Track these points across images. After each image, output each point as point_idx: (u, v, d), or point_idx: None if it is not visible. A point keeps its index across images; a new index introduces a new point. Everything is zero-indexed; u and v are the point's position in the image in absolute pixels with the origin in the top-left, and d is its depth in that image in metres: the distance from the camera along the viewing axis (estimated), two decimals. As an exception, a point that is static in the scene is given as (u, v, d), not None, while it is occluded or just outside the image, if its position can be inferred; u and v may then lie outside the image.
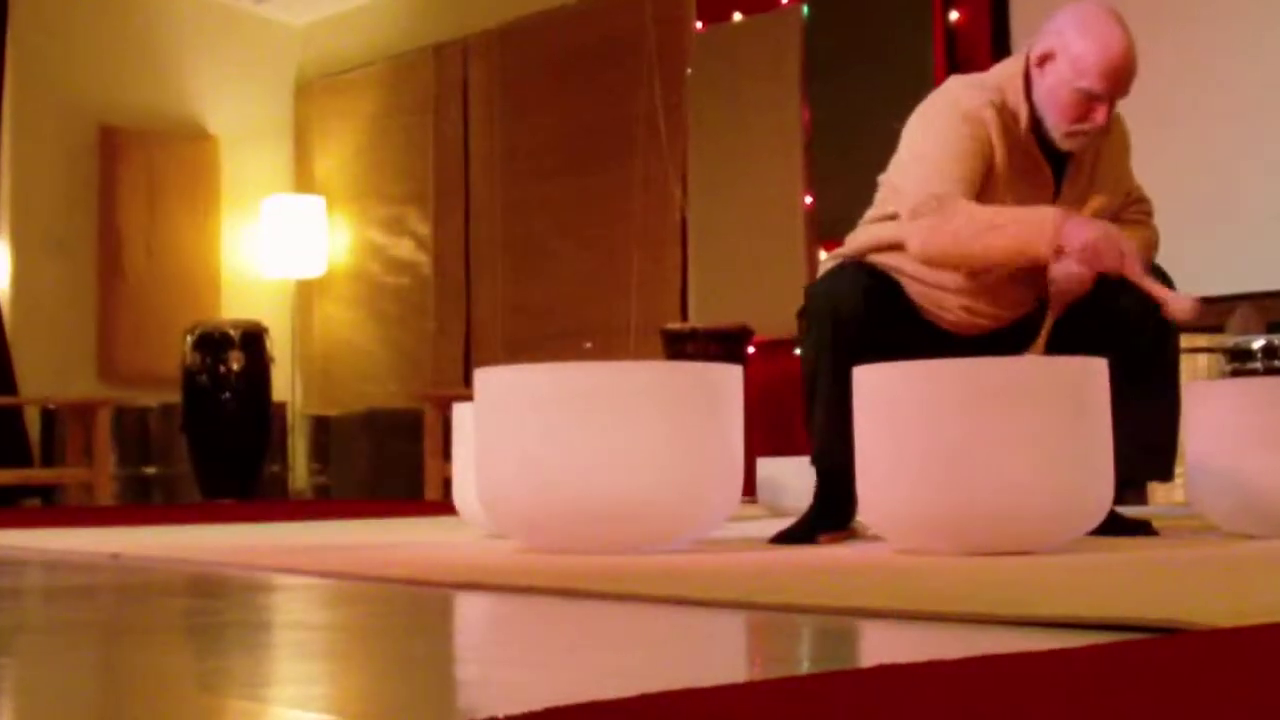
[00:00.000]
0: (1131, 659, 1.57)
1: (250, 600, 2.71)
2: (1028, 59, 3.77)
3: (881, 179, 3.96)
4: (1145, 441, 3.72)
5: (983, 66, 4.22)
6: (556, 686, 1.57)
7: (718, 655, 1.93)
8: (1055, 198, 3.76)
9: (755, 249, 8.28)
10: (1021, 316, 3.85)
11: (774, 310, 7.90)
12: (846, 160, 7.98)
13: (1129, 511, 3.89)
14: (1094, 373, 3.29)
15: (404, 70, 10.59)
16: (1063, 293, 3.67)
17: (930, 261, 3.71)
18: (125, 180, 10.36)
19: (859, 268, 3.83)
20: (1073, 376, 3.27)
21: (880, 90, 7.81)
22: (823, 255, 4.04)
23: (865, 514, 3.46)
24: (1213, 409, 3.66)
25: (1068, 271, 3.62)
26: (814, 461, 3.79)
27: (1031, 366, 3.30)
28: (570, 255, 9.43)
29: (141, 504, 9.66)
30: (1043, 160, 3.75)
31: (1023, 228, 3.59)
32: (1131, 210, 3.95)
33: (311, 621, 2.34)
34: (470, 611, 2.54)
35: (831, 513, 3.78)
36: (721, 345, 7.68)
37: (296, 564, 3.36)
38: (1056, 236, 3.56)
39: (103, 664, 1.87)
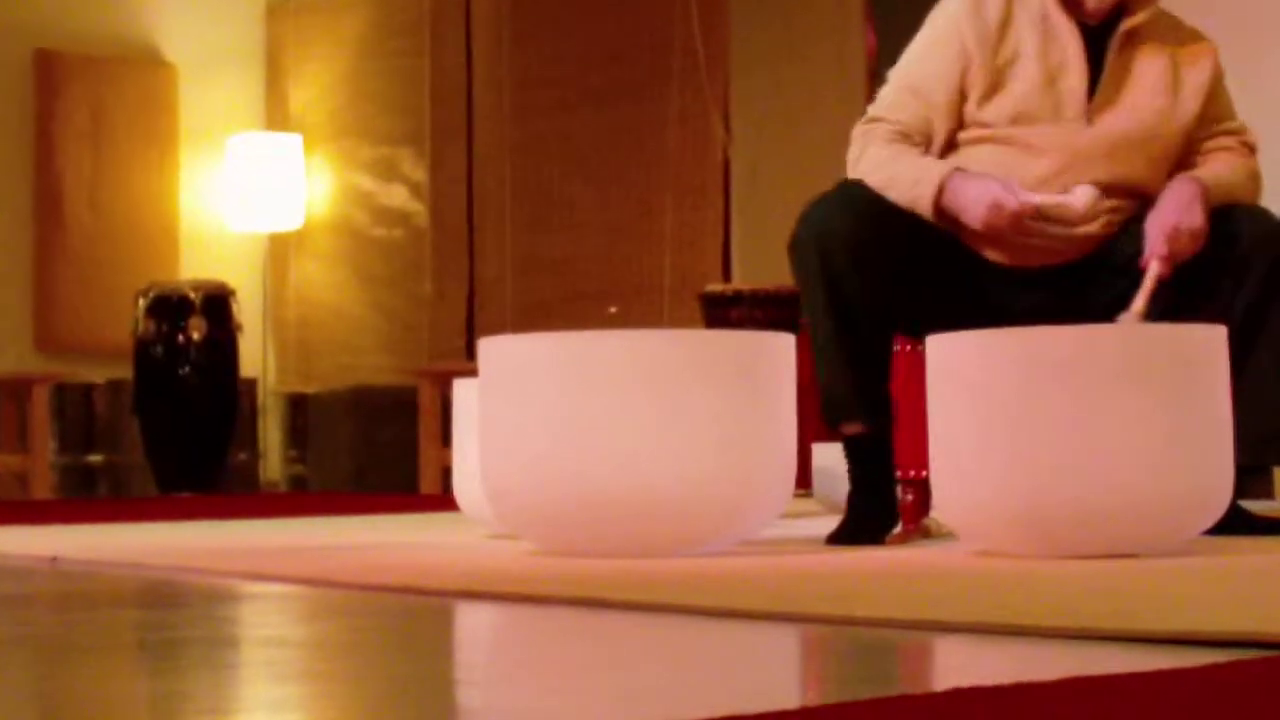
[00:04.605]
0: (1253, 680, 1.57)
1: (213, 612, 2.73)
2: None
3: None
4: (1261, 422, 3.64)
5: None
6: (573, 713, 1.57)
7: (766, 675, 1.93)
8: (1090, 89, 3.76)
9: (810, 198, 8.25)
10: (1091, 251, 3.79)
11: (833, 269, 7.87)
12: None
13: (1254, 506, 3.87)
14: (1212, 343, 3.27)
15: (395, -15, 10.59)
16: (1175, 253, 3.61)
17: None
18: (66, 115, 10.38)
19: (856, 184, 3.87)
20: (1188, 348, 3.26)
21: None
22: None
23: (940, 509, 3.47)
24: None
25: (1178, 225, 3.60)
26: (830, 428, 3.83)
27: (1140, 336, 3.29)
28: (592, 204, 9.43)
29: (86, 498, 9.69)
30: (1069, 35, 3.75)
31: (904, 191, 3.73)
32: (1220, 139, 3.90)
33: (285, 637, 2.35)
34: (472, 624, 2.55)
35: (870, 490, 3.74)
36: (770, 310, 7.67)
37: (268, 569, 3.37)
38: (938, 201, 3.68)
39: (39, 687, 1.88)
